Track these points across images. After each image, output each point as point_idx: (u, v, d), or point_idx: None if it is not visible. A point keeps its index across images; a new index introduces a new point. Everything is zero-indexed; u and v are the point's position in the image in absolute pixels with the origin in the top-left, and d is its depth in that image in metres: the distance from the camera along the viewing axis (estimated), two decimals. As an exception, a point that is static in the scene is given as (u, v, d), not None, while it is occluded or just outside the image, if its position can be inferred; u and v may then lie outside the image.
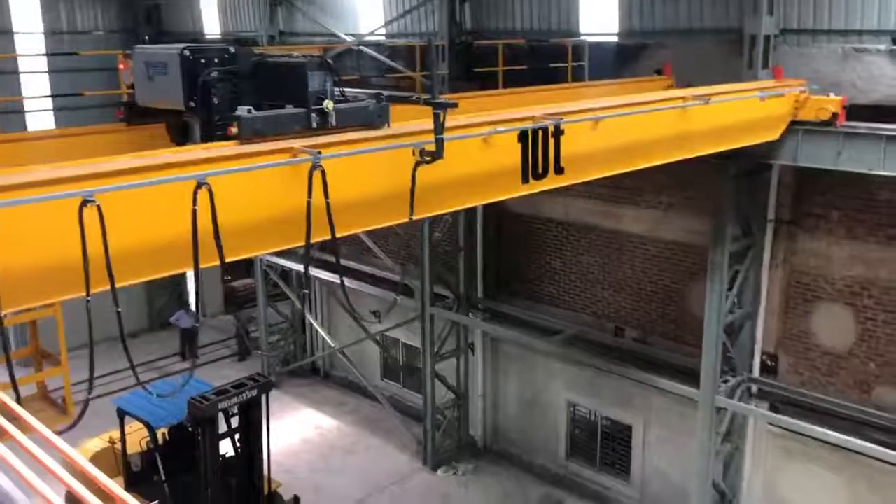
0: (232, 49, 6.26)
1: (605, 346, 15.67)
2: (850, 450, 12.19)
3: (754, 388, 13.93)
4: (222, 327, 24.61)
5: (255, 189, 5.30)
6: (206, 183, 4.76)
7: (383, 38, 19.40)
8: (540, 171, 7.26)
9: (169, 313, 23.97)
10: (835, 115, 10.81)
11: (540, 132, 7.18)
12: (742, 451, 14.23)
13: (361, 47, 19.29)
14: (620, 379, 15.21)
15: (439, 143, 5.97)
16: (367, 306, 18.47)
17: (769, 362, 13.79)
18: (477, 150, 6.82)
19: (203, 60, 6.06)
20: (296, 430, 19.60)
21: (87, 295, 4.41)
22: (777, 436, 13.72)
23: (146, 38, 24.34)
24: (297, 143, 5.53)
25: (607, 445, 16.57)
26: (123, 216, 4.62)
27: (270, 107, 6.00)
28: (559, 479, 17.29)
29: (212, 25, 24.71)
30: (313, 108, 5.84)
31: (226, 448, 12.87)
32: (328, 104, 5.85)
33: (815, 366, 13.29)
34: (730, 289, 13.09)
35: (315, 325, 21.95)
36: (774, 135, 11.07)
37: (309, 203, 5.24)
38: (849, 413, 12.70)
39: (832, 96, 11.08)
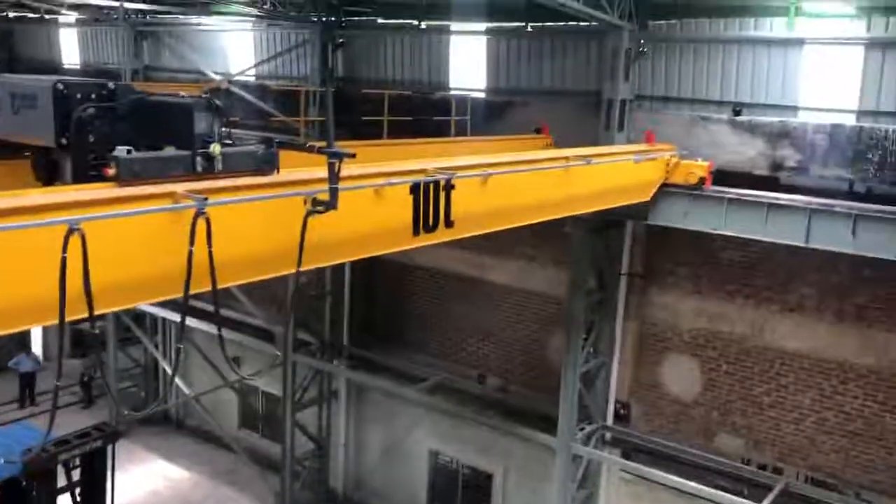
0: (111, 85, 5.87)
1: (468, 394, 15.83)
2: (694, 494, 12.80)
3: (608, 436, 14.44)
4: (67, 372, 23.08)
5: (131, 236, 4.95)
6: (78, 228, 4.34)
7: (253, 78, 19.20)
8: (431, 224, 7.21)
9: (8, 356, 22.27)
10: (702, 179, 11.30)
11: (431, 185, 7.15)
12: (596, 496, 14.65)
13: (231, 87, 18.98)
14: (482, 427, 15.38)
15: (333, 193, 5.75)
16: (227, 353, 17.82)
17: (622, 410, 14.36)
18: (368, 202, 6.67)
19: (79, 95, 5.67)
20: (144, 482, 18.51)
21: None
22: (628, 481, 14.24)
23: (-5, 63, 22.98)
24: (179, 188, 5.20)
25: (468, 494, 16.62)
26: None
27: (150, 148, 5.69)
28: (419, 529, 17.15)
29: (71, 56, 23.67)
30: (199, 151, 5.54)
31: None
32: (215, 148, 5.56)
33: (663, 414, 13.95)
34: (586, 339, 13.59)
35: (168, 370, 20.98)
36: (647, 196, 11.44)
37: (191, 252, 4.93)
38: (694, 459, 13.38)
39: (700, 161, 11.64)
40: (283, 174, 6.07)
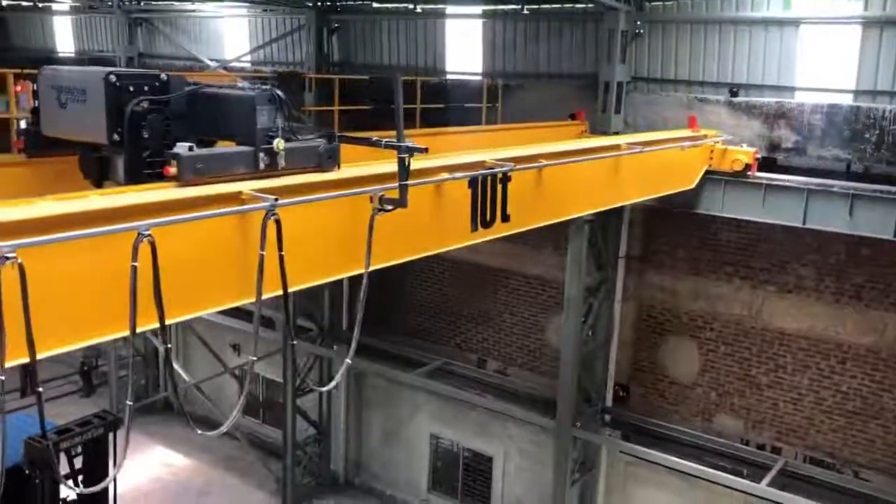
0: (164, 75, 5.45)
1: (469, 378, 15.89)
2: (692, 475, 12.88)
3: (607, 418, 14.51)
4: (67, 360, 23.12)
5: (198, 240, 4.57)
6: (148, 234, 4.03)
7: (248, 64, 19.11)
8: (488, 219, 6.92)
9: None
10: (747, 165, 11.04)
11: (489, 178, 6.84)
12: (596, 478, 14.73)
13: (223, 72, 18.88)
14: (482, 410, 15.44)
15: (403, 190, 5.45)
16: (227, 339, 17.89)
17: (621, 392, 14.42)
18: (429, 197, 6.29)
19: (131, 88, 5.24)
20: (145, 469, 18.58)
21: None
22: (628, 463, 14.31)
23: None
24: (245, 187, 4.86)
25: (469, 476, 16.71)
26: (47, 275, 3.83)
27: (201, 143, 5.30)
28: (421, 512, 17.25)
29: (65, 43, 23.54)
30: (262, 147, 5.17)
31: (67, 491, 12.02)
32: (279, 143, 5.19)
33: (662, 395, 14.01)
34: (584, 321, 13.62)
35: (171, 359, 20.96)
36: (691, 183, 11.15)
37: (262, 257, 4.63)
38: (693, 440, 13.45)
39: (745, 147, 11.40)
40: (346, 170, 5.73)
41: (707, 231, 13.01)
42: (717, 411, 13.47)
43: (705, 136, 11.41)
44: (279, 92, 5.34)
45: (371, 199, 5.51)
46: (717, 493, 12.97)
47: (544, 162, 7.57)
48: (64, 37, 23.73)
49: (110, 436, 12.06)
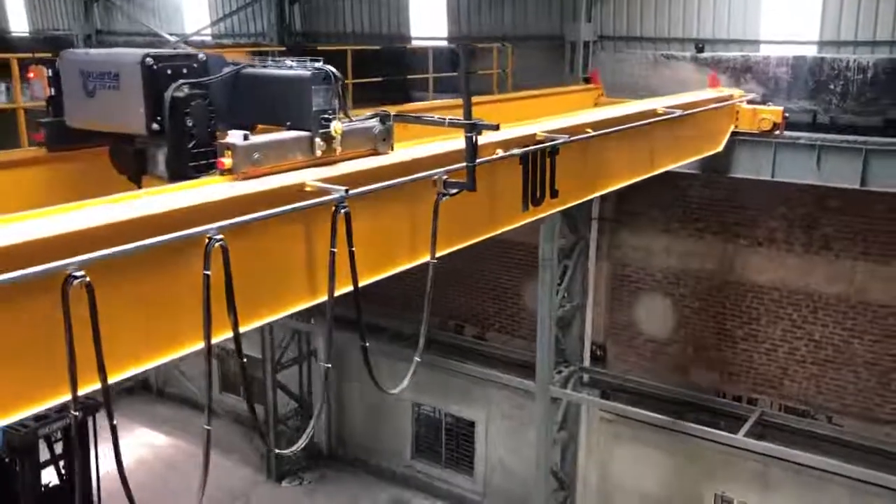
0: (202, 55, 4.94)
1: (447, 345, 15.94)
2: (672, 429, 13.10)
3: (586, 378, 14.68)
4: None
5: (261, 239, 4.14)
6: (220, 239, 3.62)
7: (209, 38, 18.75)
8: (538, 195, 6.40)
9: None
10: (775, 125, 10.54)
11: (538, 153, 6.30)
12: (577, 438, 14.94)
13: (185, 47, 18.52)
14: (462, 376, 15.53)
15: (471, 172, 5.05)
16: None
17: (598, 352, 14.57)
18: (481, 176, 5.54)
19: (169, 71, 4.72)
20: (129, 451, 18.53)
21: (75, 407, 3.36)
22: (608, 421, 14.52)
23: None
24: (306, 178, 4.40)
25: (451, 442, 16.86)
26: (113, 292, 3.39)
27: (239, 128, 4.75)
28: (406, 479, 17.41)
29: (18, 22, 22.92)
30: (321, 131, 4.68)
31: (49, 477, 11.95)
32: (336, 127, 4.72)
33: (639, 353, 14.18)
34: (560, 283, 13.70)
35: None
36: (719, 146, 10.52)
37: (333, 254, 4.26)
38: (670, 395, 13.67)
39: (770, 106, 10.87)
40: (400, 152, 5.27)
41: (677, 188, 13.08)
42: (693, 366, 13.67)
43: (731, 96, 10.89)
44: (333, 70, 4.82)
45: (434, 184, 5.07)
46: (696, 446, 13.21)
47: (591, 132, 7.01)
48: (17, 16, 23.08)
49: (90, 419, 11.98)
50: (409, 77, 14.23)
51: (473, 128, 4.97)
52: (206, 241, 3.59)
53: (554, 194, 6.56)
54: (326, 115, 4.73)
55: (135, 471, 17.75)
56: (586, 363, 14.69)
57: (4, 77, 18.11)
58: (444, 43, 15.39)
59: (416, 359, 5.35)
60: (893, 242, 11.70)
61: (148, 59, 4.66)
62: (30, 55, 7.89)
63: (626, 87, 12.74)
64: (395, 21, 16.02)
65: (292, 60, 4.99)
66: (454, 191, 5.10)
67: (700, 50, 12.52)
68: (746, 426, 12.49)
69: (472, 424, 16.36)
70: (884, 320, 11.91)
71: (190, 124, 4.67)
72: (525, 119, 7.07)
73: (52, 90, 5.36)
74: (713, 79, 11.67)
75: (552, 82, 12.74)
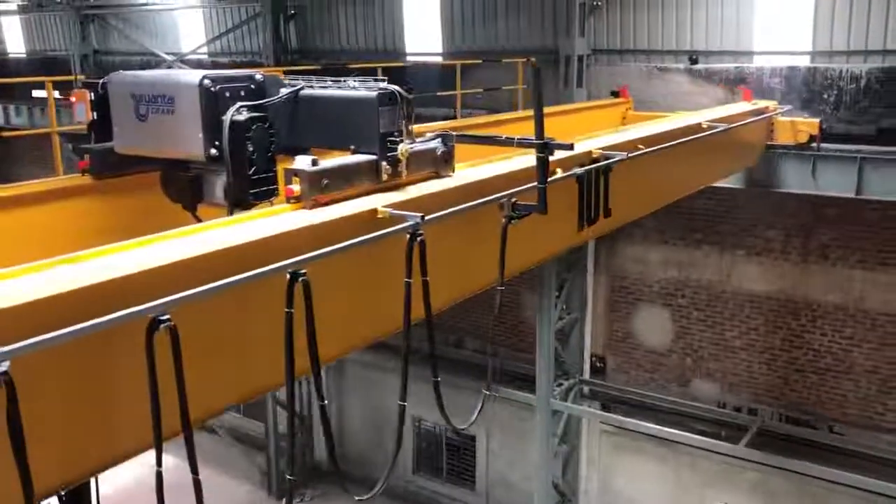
0: (259, 76, 4.70)
1: (447, 359, 15.91)
2: (672, 440, 13.08)
3: (586, 390, 14.65)
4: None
5: (335, 271, 3.87)
6: (303, 274, 3.33)
7: (205, 56, 18.84)
8: (592, 215, 6.09)
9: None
10: (812, 136, 10.42)
11: (593, 172, 6.06)
12: (578, 450, 14.89)
13: (183, 66, 18.61)
14: (462, 390, 15.44)
15: (543, 193, 4.76)
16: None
17: (598, 364, 14.56)
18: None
19: (227, 94, 4.47)
20: (130, 472, 18.41)
21: (159, 462, 3.16)
22: (609, 433, 14.48)
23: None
24: (377, 204, 4.17)
25: (453, 457, 16.81)
26: (195, 335, 3.14)
27: (295, 152, 4.56)
28: (407, 494, 17.33)
29: (15, 44, 23.04)
30: (388, 154, 4.43)
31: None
32: (404, 150, 4.48)
33: (639, 364, 14.17)
34: (558, 296, 13.71)
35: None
36: (753, 161, 10.44)
37: (408, 285, 3.97)
38: (671, 406, 13.64)
39: (806, 118, 10.73)
40: (462, 173, 5.06)
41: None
42: (692, 376, 13.65)
43: (766, 108, 10.71)
44: (400, 89, 4.58)
45: (501, 207, 4.78)
46: (697, 456, 13.18)
47: (643, 148, 6.78)
48: (14, 37, 23.20)
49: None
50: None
51: (546, 147, 4.72)
52: (288, 276, 3.31)
53: (607, 213, 6.26)
54: (393, 138, 4.50)
55: (136, 493, 17.66)
56: (586, 375, 14.66)
57: (14, 99, 18.25)
58: (439, 59, 15.46)
59: (485, 392, 5.31)
60: (889, 250, 11.71)
61: (206, 80, 4.42)
62: (73, 77, 7.79)
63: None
64: (390, 37, 16.10)
65: (355, 80, 4.77)
66: (520, 213, 4.80)
67: (694, 62, 12.59)
68: (747, 437, 12.46)
69: (472, 438, 16.31)
70: (882, 328, 11.92)
71: (250, 149, 4.43)
72: (558, 136, 6.78)
73: (95, 114, 5.12)
74: (746, 92, 11.42)
75: (546, 97, 12.75)
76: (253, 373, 3.69)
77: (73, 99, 5.20)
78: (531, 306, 14.45)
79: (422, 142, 4.79)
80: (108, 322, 2.65)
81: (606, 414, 14.21)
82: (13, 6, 22.58)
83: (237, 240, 3.49)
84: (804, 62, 11.80)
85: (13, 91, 18.25)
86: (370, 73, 14.43)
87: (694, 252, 13.23)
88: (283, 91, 4.75)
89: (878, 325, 11.92)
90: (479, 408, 5.16)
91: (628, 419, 13.53)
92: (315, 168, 4.10)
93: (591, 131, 7.52)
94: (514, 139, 5.11)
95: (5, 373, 2.34)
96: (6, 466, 2.43)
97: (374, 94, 4.49)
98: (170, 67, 18.49)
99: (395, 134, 4.51)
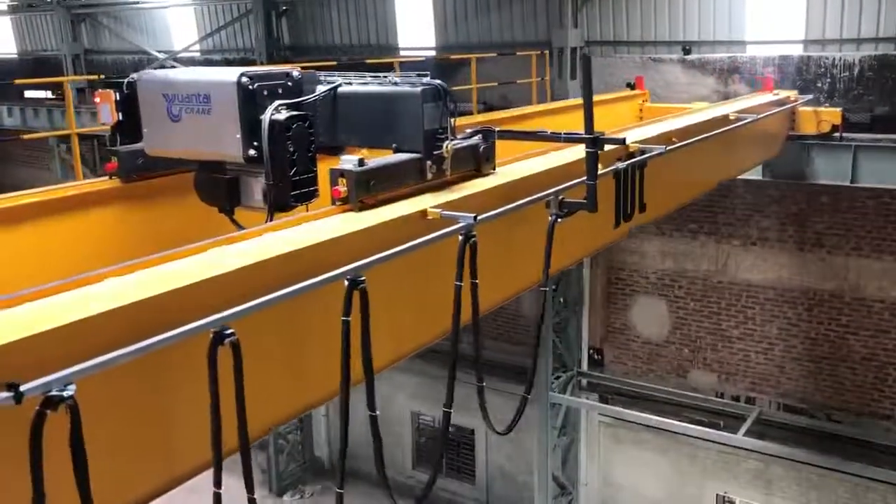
0: (296, 73, 4.47)
1: (444, 353, 15.92)
2: (671, 431, 13.11)
3: (584, 382, 14.67)
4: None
5: (387, 276, 3.69)
6: (362, 281, 3.18)
7: (197, 54, 18.78)
8: (628, 210, 5.81)
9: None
10: (835, 126, 10.26)
11: (629, 166, 5.80)
12: (577, 442, 14.92)
13: (175, 64, 18.56)
14: (461, 384, 15.46)
15: (592, 190, 4.58)
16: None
17: (596, 356, 14.57)
18: (578, 192, 5.08)
19: (265, 92, 4.24)
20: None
21: (218, 483, 2.85)
22: (608, 425, 14.51)
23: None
24: (426, 205, 4.03)
25: (452, 451, 16.83)
26: (257, 346, 3.06)
27: (329, 151, 4.48)
28: (408, 489, 17.33)
29: (6, 45, 22.94)
30: (434, 153, 4.29)
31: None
32: (448, 148, 4.33)
33: (636, 355, 14.19)
34: (555, 289, 13.71)
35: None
36: (776, 151, 10.22)
37: (458, 288, 3.82)
38: (669, 397, 13.67)
39: (828, 108, 10.53)
40: (504, 170, 4.87)
41: (669, 190, 13.11)
42: (690, 367, 13.68)
43: (788, 98, 10.48)
44: (444, 84, 4.39)
45: (547, 205, 4.57)
46: (696, 446, 13.21)
47: (677, 141, 6.54)
48: (4, 38, 23.10)
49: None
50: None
51: (596, 143, 4.52)
52: (346, 283, 3.13)
53: (642, 208, 5.99)
54: (438, 135, 4.33)
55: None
56: (584, 367, 14.68)
57: (6, 100, 18.17)
58: (433, 53, 15.43)
59: (527, 396, 5.21)
60: (884, 238, 11.73)
61: (244, 78, 4.18)
62: (96, 77, 7.65)
63: (614, 91, 12.76)
64: (382, 32, 16.07)
65: (396, 76, 4.61)
66: (569, 211, 4.60)
67: (687, 52, 12.59)
68: (745, 426, 12.49)
69: (472, 432, 16.33)
70: (878, 315, 11.95)
71: (291, 150, 4.17)
72: (579, 130, 6.50)
73: (120, 115, 4.89)
74: (767, 81, 11.22)
75: (540, 90, 12.77)
76: (304, 384, 3.54)
77: (96, 100, 4.96)
78: (527, 298, 14.45)
79: (462, 138, 4.61)
80: (176, 336, 2.49)
81: (605, 406, 14.23)
82: (3, 6, 22.49)
83: (295, 244, 3.34)
84: (797, 51, 11.81)
85: (6, 92, 18.19)
86: (371, 68, 14.46)
87: (690, 242, 13.24)
88: (320, 88, 4.53)
89: (875, 313, 11.96)
90: (520, 410, 5.06)
91: (627, 410, 13.55)
92: (362, 168, 3.97)
93: (614, 124, 7.32)
94: (560, 134, 4.93)
95: (71, 397, 2.17)
96: (67, 494, 2.28)
97: (417, 89, 4.33)
98: (162, 66, 18.44)
99: (440, 131, 4.34)
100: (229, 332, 2.64)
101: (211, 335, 2.61)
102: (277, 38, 17.02)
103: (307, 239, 3.40)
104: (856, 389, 12.31)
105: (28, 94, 19.22)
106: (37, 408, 2.14)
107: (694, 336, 13.54)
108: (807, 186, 11.50)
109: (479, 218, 3.83)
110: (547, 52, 13.18)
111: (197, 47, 18.67)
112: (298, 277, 2.99)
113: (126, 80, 4.81)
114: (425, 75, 4.48)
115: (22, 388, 2.08)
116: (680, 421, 13.03)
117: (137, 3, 19.67)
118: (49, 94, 18.91)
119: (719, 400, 13.39)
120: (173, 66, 18.27)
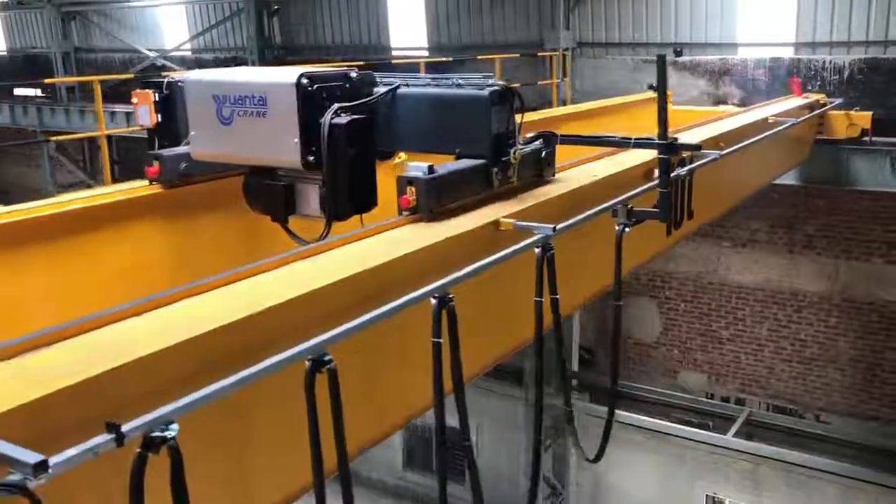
0: (353, 74, 4.19)
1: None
2: (661, 432, 13.14)
3: (575, 382, 14.67)
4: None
5: (477, 291, 3.55)
6: (450, 298, 3.00)
7: (188, 53, 18.72)
8: (678, 218, 5.45)
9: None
10: (864, 130, 10.02)
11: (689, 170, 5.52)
12: (568, 442, 14.93)
13: (166, 63, 18.48)
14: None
15: (664, 198, 4.38)
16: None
17: (587, 356, 14.59)
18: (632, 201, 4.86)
19: (324, 94, 3.94)
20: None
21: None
22: (598, 425, 14.49)
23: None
24: (497, 215, 3.83)
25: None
26: (352, 369, 2.79)
27: (384, 156, 4.30)
28: (398, 490, 17.34)
29: (-5, 42, 22.81)
30: (502, 159, 4.09)
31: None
32: (516, 154, 4.13)
33: (627, 356, 14.21)
34: (547, 290, 13.72)
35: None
36: (806, 155, 10.02)
37: (539, 304, 3.63)
38: (660, 398, 13.71)
39: (858, 111, 10.28)
40: (565, 176, 4.70)
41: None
42: (680, 368, 13.72)
43: (818, 102, 10.25)
44: (511, 86, 4.19)
45: (614, 214, 4.30)
46: (685, 447, 13.24)
47: (725, 147, 6.27)
48: (-6, 35, 22.97)
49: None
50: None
51: (671, 149, 4.33)
52: (434, 301, 2.93)
53: (690, 215, 5.70)
54: (507, 140, 4.13)
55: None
56: (575, 368, 14.69)
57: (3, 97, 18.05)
58: (426, 53, 15.43)
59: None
60: (874, 241, 11.80)
61: (304, 79, 3.88)
62: (130, 75, 7.38)
63: (606, 93, 12.79)
64: (374, 32, 16.05)
65: (459, 77, 4.39)
66: (637, 220, 4.36)
67: (678, 54, 12.62)
68: (735, 426, 12.54)
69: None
70: (867, 316, 12.02)
71: (351, 155, 3.92)
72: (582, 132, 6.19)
73: (160, 117, 4.67)
74: (797, 85, 10.85)
75: (532, 91, 12.78)
76: (381, 408, 3.37)
77: (134, 101, 4.73)
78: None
79: (524, 143, 4.40)
80: (276, 365, 2.25)
81: (596, 406, 14.23)
82: (-8, 4, 22.37)
83: (377, 258, 3.15)
84: (788, 53, 11.86)
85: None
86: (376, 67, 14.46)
87: (681, 244, 13.27)
88: (377, 90, 4.28)
89: (862, 314, 12.03)
90: (605, 436, 4.96)
91: (617, 411, 13.55)
92: (432, 176, 3.77)
93: (641, 128, 6.95)
94: (630, 140, 4.76)
95: (173, 438, 1.96)
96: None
97: (485, 92, 4.09)
98: (154, 65, 18.37)
99: (508, 136, 4.15)
100: (327, 358, 2.42)
101: (308, 363, 2.39)
102: (269, 38, 16.98)
103: (388, 252, 3.23)
104: (844, 390, 12.38)
105: (17, 92, 19.12)
106: (137, 450, 1.93)
107: (684, 337, 13.59)
108: (796, 188, 11.55)
109: (557, 228, 3.62)
110: (549, 53, 13.22)
111: (188, 46, 18.60)
112: (382, 293, 2.81)
113: (165, 80, 4.65)
114: (490, 76, 4.28)
115: (123, 429, 1.87)
116: (670, 422, 13.08)
117: (128, 0, 19.58)
118: (38, 92, 18.81)
119: (709, 401, 13.44)
120: (165, 65, 18.21)
